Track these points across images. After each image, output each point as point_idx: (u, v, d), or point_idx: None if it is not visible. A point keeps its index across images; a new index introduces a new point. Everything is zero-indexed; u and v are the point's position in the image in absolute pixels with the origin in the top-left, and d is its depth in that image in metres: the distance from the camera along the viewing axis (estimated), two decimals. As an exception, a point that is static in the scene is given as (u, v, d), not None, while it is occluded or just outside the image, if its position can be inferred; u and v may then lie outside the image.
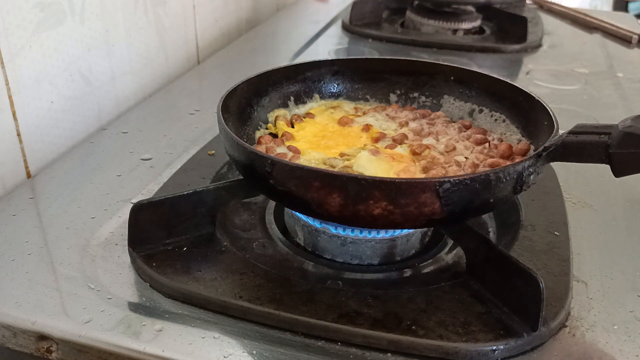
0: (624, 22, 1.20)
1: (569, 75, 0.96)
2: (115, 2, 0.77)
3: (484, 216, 0.57)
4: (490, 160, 0.51)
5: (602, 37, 1.16)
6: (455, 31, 1.14)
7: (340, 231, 0.50)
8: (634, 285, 0.49)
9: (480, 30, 1.17)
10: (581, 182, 0.64)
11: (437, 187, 0.41)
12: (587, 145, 0.44)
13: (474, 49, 1.06)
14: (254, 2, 1.20)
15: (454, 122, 0.61)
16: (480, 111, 0.61)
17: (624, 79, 0.94)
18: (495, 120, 0.59)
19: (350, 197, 0.41)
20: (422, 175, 0.50)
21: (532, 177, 0.45)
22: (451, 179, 0.41)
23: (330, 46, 1.07)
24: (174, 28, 0.92)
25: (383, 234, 0.50)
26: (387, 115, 0.62)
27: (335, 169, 0.50)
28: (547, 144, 0.45)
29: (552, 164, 0.48)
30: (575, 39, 1.15)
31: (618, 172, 0.44)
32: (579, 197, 0.61)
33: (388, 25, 1.18)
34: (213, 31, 1.05)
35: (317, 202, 0.43)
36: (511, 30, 1.11)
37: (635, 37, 1.11)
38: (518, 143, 0.54)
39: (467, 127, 0.59)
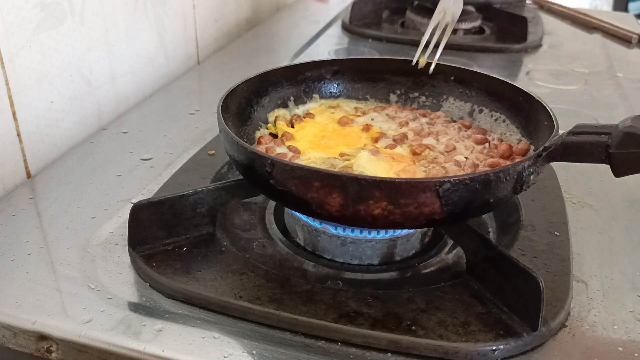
0: (624, 22, 1.20)
1: (569, 75, 0.96)
2: (115, 2, 0.77)
3: (484, 216, 0.57)
4: (490, 160, 0.51)
5: (602, 37, 1.15)
6: (455, 31, 1.14)
7: (340, 231, 0.50)
8: (634, 285, 0.49)
9: (480, 30, 1.17)
10: (581, 182, 0.64)
11: (437, 187, 0.41)
12: (587, 145, 0.44)
13: (474, 49, 1.06)
14: (254, 2, 1.20)
15: (454, 122, 0.61)
16: (480, 111, 0.61)
17: (624, 79, 0.94)
18: (495, 120, 0.59)
19: (350, 197, 0.41)
20: (422, 175, 0.50)
21: (532, 177, 0.45)
22: (451, 179, 0.41)
23: (330, 46, 1.07)
24: (174, 28, 0.92)
25: (383, 234, 0.50)
26: (387, 115, 0.62)
27: (335, 169, 0.50)
28: (547, 144, 0.45)
29: (552, 164, 0.48)
30: (575, 39, 1.15)
31: (618, 172, 0.44)
32: (579, 197, 0.61)
33: (388, 25, 1.18)
34: (213, 31, 1.05)
35: (317, 202, 0.43)
36: (511, 30, 1.11)
37: (635, 37, 1.11)
38: (518, 143, 0.54)
39: (467, 127, 0.59)
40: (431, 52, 0.60)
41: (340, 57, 0.92)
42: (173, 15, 0.91)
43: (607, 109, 0.83)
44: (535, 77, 0.94)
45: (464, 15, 1.15)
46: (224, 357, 0.41)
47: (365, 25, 1.14)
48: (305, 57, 1.01)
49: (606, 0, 2.47)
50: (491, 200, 0.43)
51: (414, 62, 0.61)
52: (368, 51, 1.05)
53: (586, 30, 1.20)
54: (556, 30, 1.20)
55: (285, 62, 0.94)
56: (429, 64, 0.61)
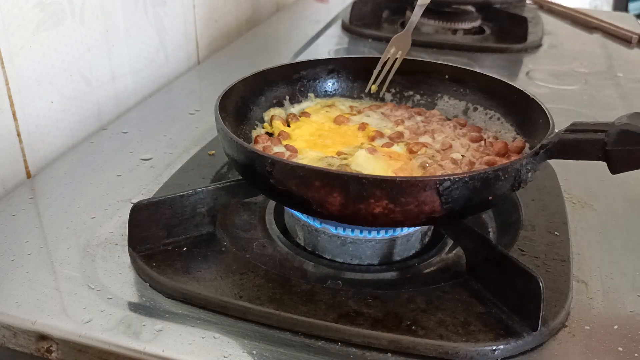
0: (624, 22, 1.20)
1: (569, 75, 0.96)
2: (115, 2, 0.77)
3: (484, 216, 0.57)
4: (486, 158, 0.52)
5: (602, 37, 1.16)
6: (455, 31, 1.14)
7: (340, 231, 0.50)
8: (634, 285, 0.49)
9: (480, 30, 1.17)
10: (581, 182, 0.64)
11: (438, 186, 0.41)
12: (583, 143, 0.44)
13: (474, 49, 1.06)
14: (254, 2, 1.20)
15: (449, 120, 0.61)
16: (475, 109, 0.61)
17: (624, 79, 0.94)
18: (490, 118, 0.59)
19: (351, 196, 0.41)
20: (419, 173, 0.50)
21: (529, 174, 0.45)
22: (451, 177, 0.41)
23: (330, 46, 1.07)
24: (174, 28, 0.92)
25: (383, 234, 0.50)
26: (382, 113, 0.62)
27: (333, 168, 0.50)
28: (544, 142, 0.45)
29: (551, 164, 0.48)
30: (575, 39, 1.15)
31: (615, 170, 0.44)
32: (579, 197, 0.61)
33: (388, 25, 1.18)
34: (213, 31, 1.05)
35: (317, 201, 0.43)
36: (511, 30, 1.11)
37: (635, 37, 1.11)
38: (513, 140, 0.54)
39: (462, 125, 0.59)
40: (382, 80, 0.66)
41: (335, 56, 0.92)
42: (173, 15, 0.91)
43: (607, 109, 0.83)
44: (535, 77, 0.94)
45: (464, 15, 1.15)
46: (224, 357, 0.41)
47: (365, 25, 1.14)
48: (305, 57, 1.00)
49: (606, 0, 2.47)
50: (490, 198, 0.43)
51: (367, 90, 0.66)
52: (368, 51, 1.05)
53: (586, 30, 1.20)
54: (556, 30, 1.20)
55: (285, 62, 0.94)
56: (379, 90, 0.66)
